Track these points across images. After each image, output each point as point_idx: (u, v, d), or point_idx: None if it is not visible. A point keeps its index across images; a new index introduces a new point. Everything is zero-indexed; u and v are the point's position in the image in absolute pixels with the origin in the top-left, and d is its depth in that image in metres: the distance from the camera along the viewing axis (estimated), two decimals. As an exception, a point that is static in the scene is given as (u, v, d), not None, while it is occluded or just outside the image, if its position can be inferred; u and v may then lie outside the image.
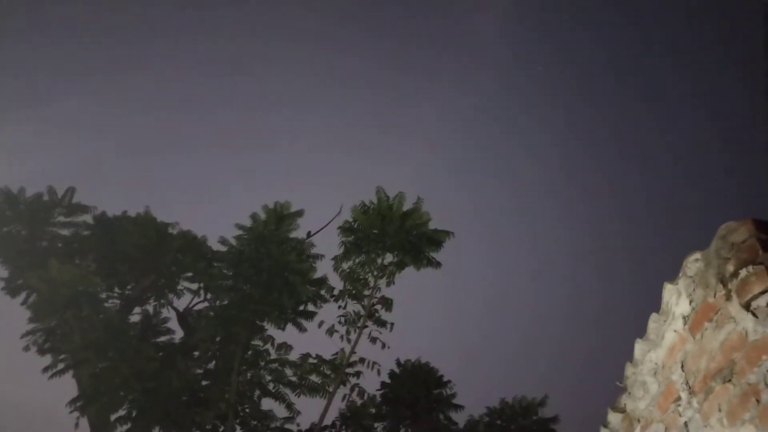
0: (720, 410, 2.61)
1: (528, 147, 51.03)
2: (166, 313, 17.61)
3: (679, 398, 2.95)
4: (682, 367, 2.87)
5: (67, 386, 15.40)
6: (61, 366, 15.13)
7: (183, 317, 17.91)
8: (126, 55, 46.66)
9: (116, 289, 16.62)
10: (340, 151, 52.98)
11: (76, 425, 14.66)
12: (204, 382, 16.17)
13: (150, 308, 17.20)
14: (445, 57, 48.18)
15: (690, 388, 2.81)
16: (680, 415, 2.91)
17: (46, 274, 15.38)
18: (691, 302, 2.78)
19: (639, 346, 3.39)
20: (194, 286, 18.13)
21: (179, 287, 17.94)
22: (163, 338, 16.85)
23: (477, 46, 45.84)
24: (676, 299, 2.90)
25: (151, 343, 16.43)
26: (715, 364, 2.62)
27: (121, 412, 14.93)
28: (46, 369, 15.13)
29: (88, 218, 16.93)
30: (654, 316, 3.14)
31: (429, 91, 50.18)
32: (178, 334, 17.33)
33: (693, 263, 2.81)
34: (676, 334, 2.96)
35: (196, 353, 16.56)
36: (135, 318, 16.97)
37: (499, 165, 52.22)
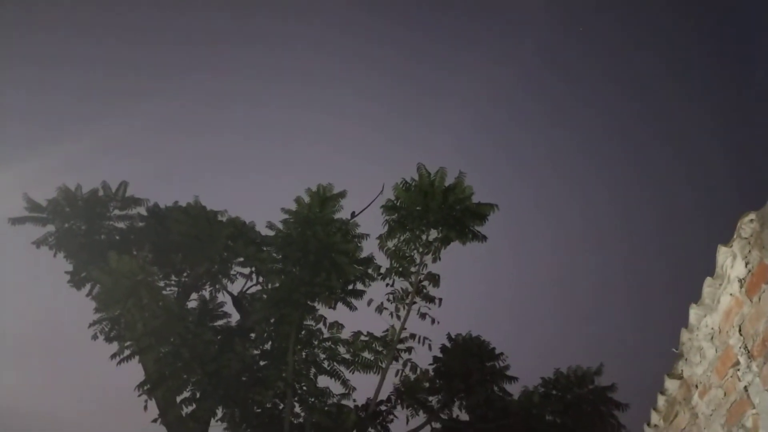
0: (781, 374, 2.52)
1: (572, 115, 49.43)
2: (222, 297, 18.25)
3: (737, 362, 2.87)
4: (740, 330, 2.79)
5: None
6: (127, 353, 15.93)
7: (238, 301, 18.49)
8: (179, 60, 47.82)
9: (173, 277, 17.28)
10: (378, 130, 52.76)
11: (145, 408, 15.45)
12: (262, 363, 16.72)
13: (206, 294, 17.84)
14: (484, 21, 46.93)
15: (749, 352, 2.73)
16: (739, 380, 2.83)
17: (107, 266, 16.11)
18: (747, 264, 2.68)
19: (694, 312, 3.30)
20: (246, 271, 18.65)
21: (232, 272, 18.48)
22: (220, 322, 17.44)
23: (516, 10, 44.40)
24: (731, 262, 2.80)
25: (209, 327, 17.06)
26: (775, 327, 2.52)
27: (186, 394, 15.64)
28: (113, 356, 15.96)
29: (141, 210, 17.59)
30: (708, 280, 3.04)
31: (467, 63, 49.20)
32: (234, 317, 17.93)
33: (748, 224, 2.70)
34: (732, 297, 2.87)
35: (253, 335, 17.10)
36: (192, 304, 17.65)
37: (541, 134, 50.90)
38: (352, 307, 17.17)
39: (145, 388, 15.52)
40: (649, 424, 4.18)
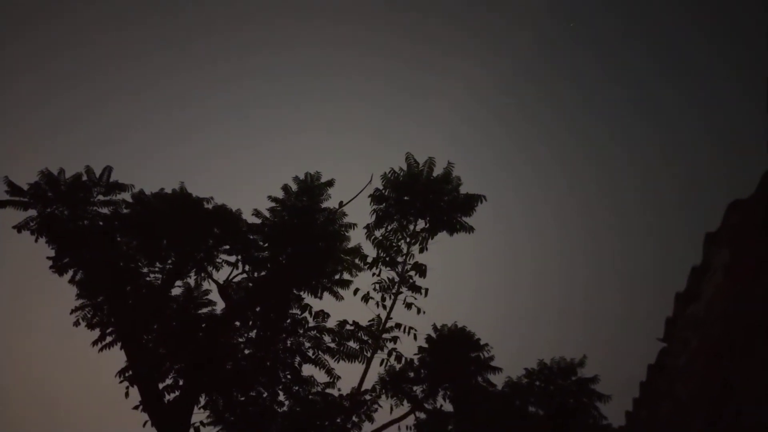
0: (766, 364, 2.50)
1: (565, 110, 49.34)
2: (207, 285, 18.08)
3: (721, 352, 2.85)
4: (724, 319, 2.76)
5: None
6: (109, 339, 15.77)
7: (223, 289, 18.31)
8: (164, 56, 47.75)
9: (157, 264, 17.07)
10: (369, 121, 52.52)
11: (126, 395, 15.30)
12: (246, 351, 16.64)
13: (191, 281, 17.67)
14: (478, 16, 46.72)
15: (732, 341, 2.71)
16: (722, 369, 2.81)
17: (90, 252, 15.89)
18: (732, 252, 2.65)
19: (678, 300, 3.28)
20: (232, 259, 18.47)
21: (218, 260, 18.30)
22: (205, 310, 17.32)
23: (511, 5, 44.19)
24: (717, 250, 2.78)
25: (193, 315, 16.93)
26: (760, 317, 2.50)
27: (168, 381, 15.53)
28: (95, 342, 15.79)
29: (126, 196, 17.32)
30: (694, 268, 3.01)
31: (461, 55, 49.06)
32: (219, 305, 17.79)
33: (734, 212, 2.67)
34: (717, 286, 2.84)
35: (238, 323, 16.99)
36: (177, 291, 17.47)
37: (535, 128, 50.80)
38: (338, 297, 17.12)
39: (127, 374, 15.39)
40: (630, 414, 4.16)
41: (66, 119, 46.29)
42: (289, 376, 16.37)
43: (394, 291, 16.91)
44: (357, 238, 17.74)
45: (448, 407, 17.31)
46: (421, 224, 17.31)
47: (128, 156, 45.82)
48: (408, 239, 17.26)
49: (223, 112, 50.74)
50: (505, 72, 46.42)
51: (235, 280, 17.45)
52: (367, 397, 16.74)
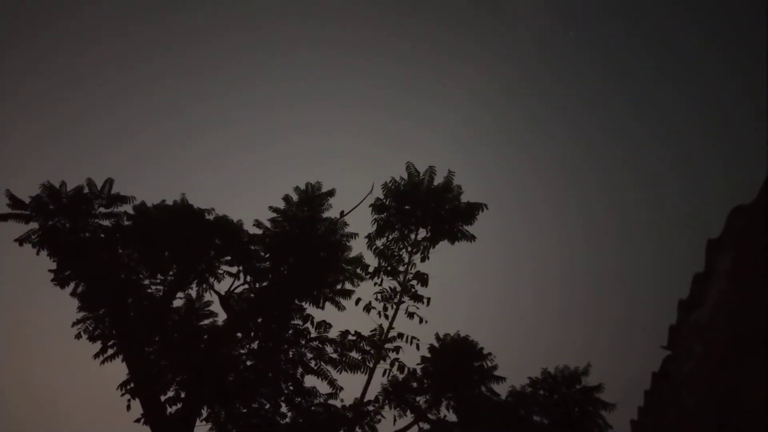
0: (771, 369, 2.47)
1: (565, 113, 49.33)
2: (208, 296, 18.04)
3: (726, 358, 2.82)
4: (729, 325, 2.74)
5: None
6: (110, 352, 15.72)
7: (225, 300, 18.27)
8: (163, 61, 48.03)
9: (158, 276, 17.05)
10: (370, 124, 52.65)
11: (128, 408, 15.23)
12: (248, 362, 16.57)
13: (193, 293, 17.63)
14: (480, 25, 47.01)
15: (737, 346, 2.68)
16: (728, 375, 2.78)
17: (92, 264, 15.88)
18: (735, 257, 2.64)
19: (682, 307, 3.25)
20: (234, 270, 18.44)
21: (219, 271, 18.28)
22: (206, 321, 17.27)
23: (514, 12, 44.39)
24: (719, 256, 2.76)
25: (195, 326, 16.88)
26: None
27: (170, 394, 15.46)
28: (96, 355, 15.74)
29: (128, 208, 17.35)
30: (697, 274, 2.99)
31: (462, 59, 49.21)
32: (221, 316, 17.75)
33: (737, 217, 2.66)
34: (721, 291, 2.82)
35: (239, 334, 16.94)
36: (178, 302, 17.42)
37: (536, 130, 50.76)
38: (340, 307, 17.07)
39: (129, 387, 15.32)
40: (635, 422, 4.12)
41: (59, 128, 46.50)
42: (291, 387, 16.29)
43: (396, 300, 16.88)
44: (358, 247, 17.75)
45: (451, 417, 17.19)
46: (422, 233, 17.32)
47: (127, 163, 45.96)
48: (409, 248, 17.25)
49: (223, 116, 50.95)
50: (507, 75, 46.60)
51: (237, 291, 17.43)
52: (370, 407, 16.63)
